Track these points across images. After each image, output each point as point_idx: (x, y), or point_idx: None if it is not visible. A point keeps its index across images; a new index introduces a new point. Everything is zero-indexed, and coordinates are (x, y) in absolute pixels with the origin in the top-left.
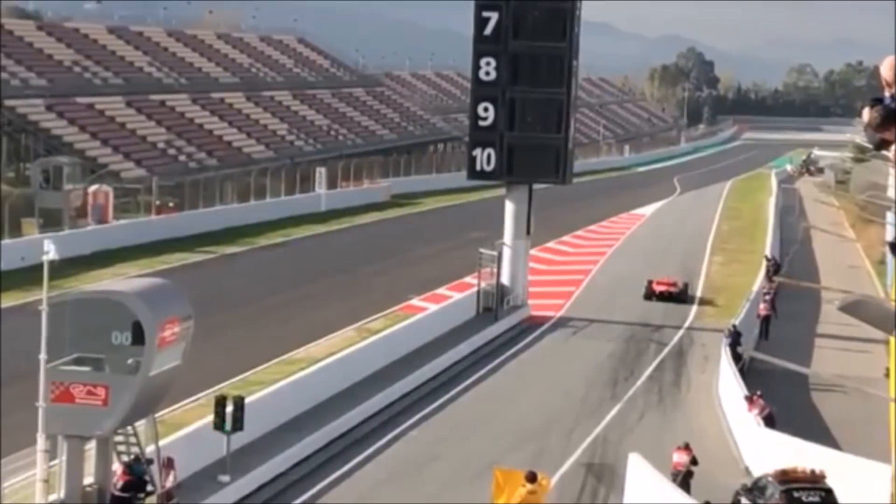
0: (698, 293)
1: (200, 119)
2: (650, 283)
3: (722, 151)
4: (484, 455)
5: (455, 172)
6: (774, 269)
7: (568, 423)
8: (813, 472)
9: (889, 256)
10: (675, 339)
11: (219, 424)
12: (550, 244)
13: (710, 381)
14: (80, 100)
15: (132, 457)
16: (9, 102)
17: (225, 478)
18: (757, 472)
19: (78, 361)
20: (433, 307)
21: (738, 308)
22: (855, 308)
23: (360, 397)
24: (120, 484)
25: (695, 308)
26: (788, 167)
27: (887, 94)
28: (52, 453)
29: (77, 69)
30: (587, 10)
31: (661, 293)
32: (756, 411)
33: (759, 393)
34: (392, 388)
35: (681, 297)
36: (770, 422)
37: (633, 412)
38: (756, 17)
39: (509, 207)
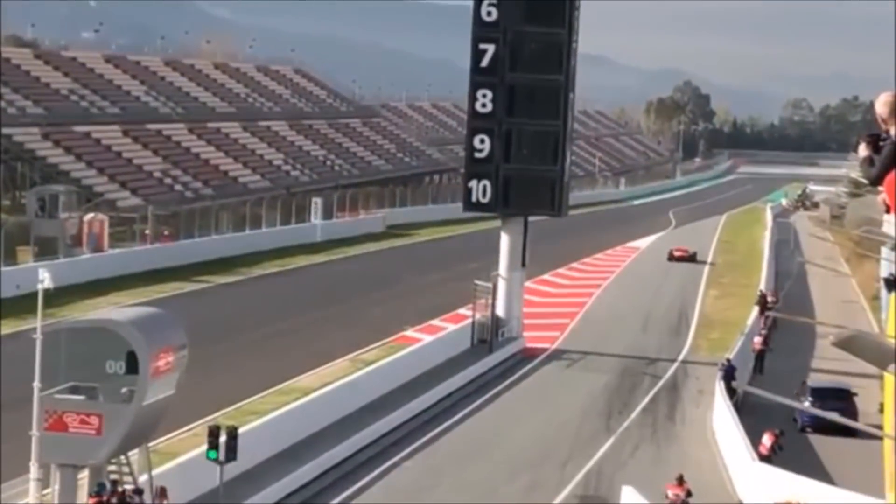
0: (693, 325)
1: (196, 148)
2: (671, 250)
3: (717, 185)
4: (478, 486)
5: (451, 204)
6: (767, 303)
7: (562, 455)
8: None
9: (884, 292)
10: (670, 372)
11: (212, 454)
12: (546, 276)
13: (704, 415)
14: (76, 128)
15: (98, 485)
16: (6, 130)
17: None
18: None
19: (72, 390)
20: (428, 338)
21: (733, 342)
22: (849, 343)
23: (355, 428)
24: None
25: (689, 342)
26: (784, 201)
27: (882, 129)
28: (44, 482)
29: (74, 98)
30: (583, 43)
31: (679, 257)
32: (769, 443)
33: (777, 431)
34: (386, 419)
35: (692, 258)
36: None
37: (627, 445)
38: (752, 51)
39: (505, 239)
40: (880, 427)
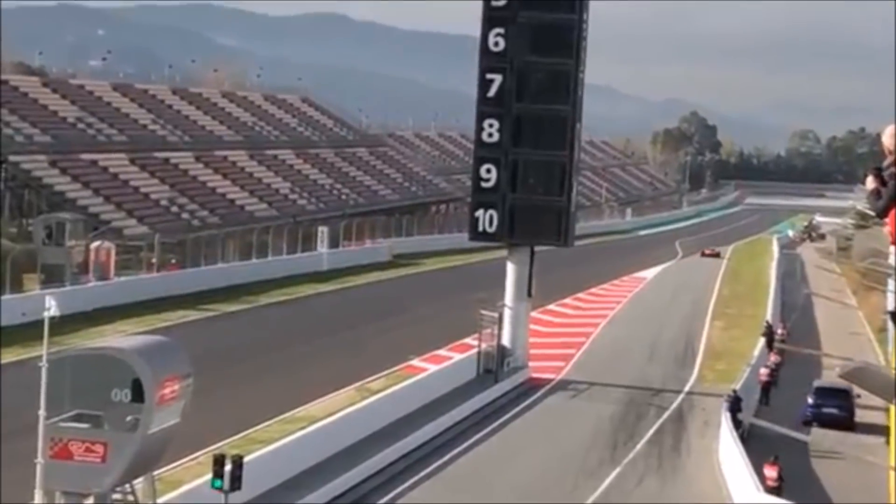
0: (699, 356)
1: (203, 177)
2: (702, 250)
3: (724, 216)
4: None
5: (457, 233)
6: (773, 335)
7: (567, 485)
8: None
9: (890, 324)
10: (676, 403)
11: (217, 483)
12: (551, 306)
13: (710, 447)
14: (83, 156)
15: None
16: (13, 158)
17: None
18: None
19: (77, 418)
20: (434, 368)
21: (739, 373)
22: (856, 375)
23: (360, 457)
24: None
25: (695, 373)
26: (790, 232)
27: (888, 161)
28: None
29: (81, 126)
30: (589, 73)
31: (709, 254)
32: (774, 474)
33: (773, 458)
34: (391, 449)
35: (717, 255)
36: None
37: (632, 476)
38: (759, 82)
39: (511, 269)
40: (878, 426)
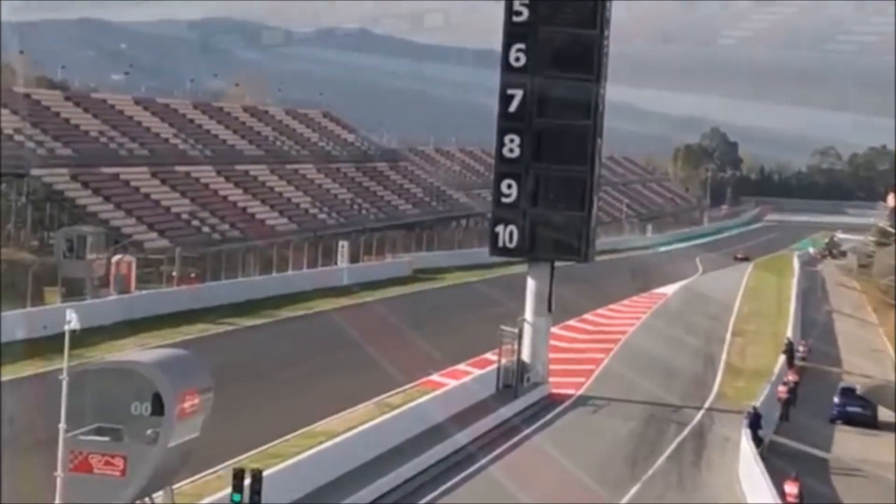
0: (719, 373)
1: (224, 191)
2: (735, 255)
3: (745, 232)
4: None
5: (477, 248)
6: (793, 352)
7: (586, 501)
8: None
9: None
10: (696, 419)
11: (236, 497)
12: (572, 322)
13: (730, 463)
14: (105, 170)
15: None
16: (34, 171)
17: None
18: None
19: (97, 431)
20: (453, 383)
21: (759, 390)
22: (876, 393)
23: (379, 472)
24: None
25: (715, 389)
26: (811, 249)
27: None
28: None
29: (103, 139)
30: (610, 89)
31: (740, 259)
32: (795, 490)
33: (794, 475)
34: (410, 464)
35: (748, 259)
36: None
37: (651, 492)
38: (781, 99)
39: (531, 284)
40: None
